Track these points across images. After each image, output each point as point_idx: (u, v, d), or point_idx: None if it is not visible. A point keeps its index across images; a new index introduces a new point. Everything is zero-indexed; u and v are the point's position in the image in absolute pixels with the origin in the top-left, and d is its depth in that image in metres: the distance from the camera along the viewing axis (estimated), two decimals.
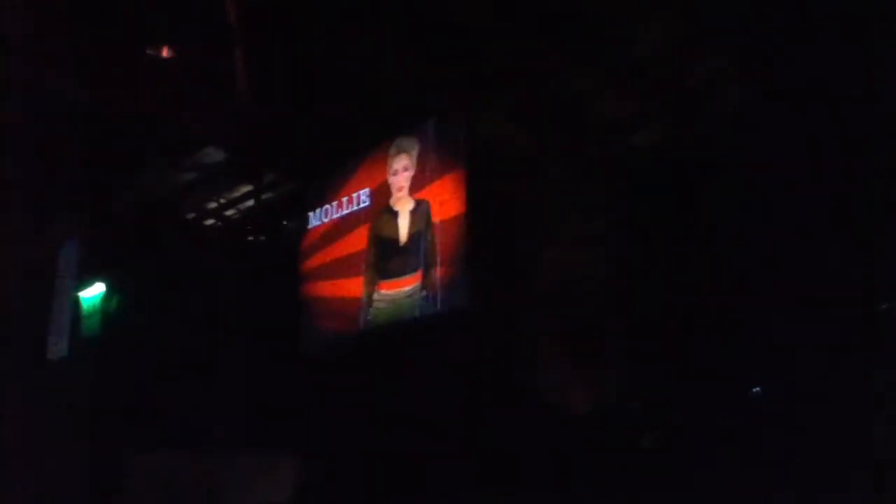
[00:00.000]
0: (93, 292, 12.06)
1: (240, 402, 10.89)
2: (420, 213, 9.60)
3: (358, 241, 10.32)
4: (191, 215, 12.72)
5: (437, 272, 9.23)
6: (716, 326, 8.65)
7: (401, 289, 9.65)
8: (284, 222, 12.37)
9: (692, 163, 9.10)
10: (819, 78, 8.38)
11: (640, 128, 9.40)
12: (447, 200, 9.26)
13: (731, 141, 8.91)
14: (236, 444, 10.54)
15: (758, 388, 8.65)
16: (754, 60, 8.63)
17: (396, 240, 9.80)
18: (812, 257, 8.40)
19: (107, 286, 12.00)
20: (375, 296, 9.92)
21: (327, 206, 10.85)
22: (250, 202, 12.35)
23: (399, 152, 10.01)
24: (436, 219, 9.36)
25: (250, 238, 12.82)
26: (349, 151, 10.59)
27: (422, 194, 9.63)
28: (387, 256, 9.93)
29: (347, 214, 10.57)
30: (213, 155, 11.25)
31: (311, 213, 11.05)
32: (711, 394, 8.64)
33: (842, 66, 8.26)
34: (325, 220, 10.83)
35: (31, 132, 8.13)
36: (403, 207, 9.84)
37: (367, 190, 10.34)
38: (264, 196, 12.15)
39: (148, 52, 9.69)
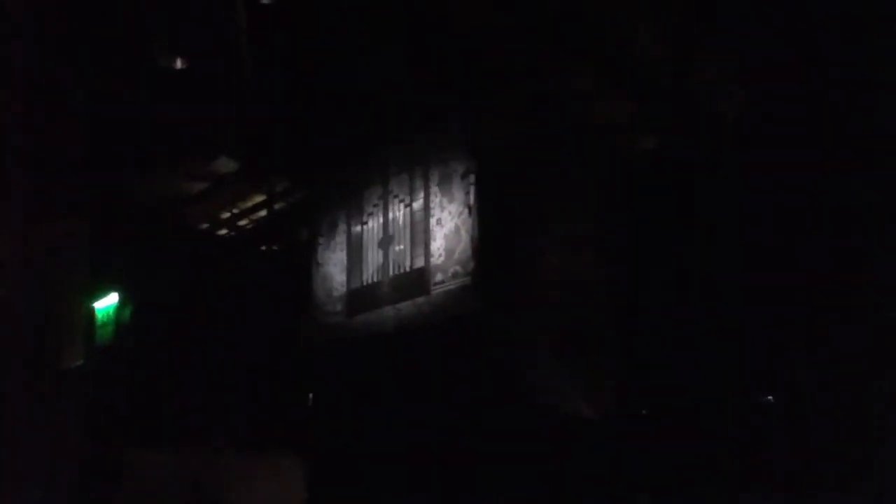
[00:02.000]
0: (106, 302, 12.19)
1: (245, 406, 10.92)
2: (421, 214, 9.64)
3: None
4: (204, 225, 12.83)
5: (438, 273, 9.25)
6: (715, 328, 8.60)
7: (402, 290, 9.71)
8: (296, 231, 12.42)
9: (692, 164, 9.08)
10: (819, 79, 8.37)
11: (639, 129, 9.40)
12: (448, 201, 9.31)
13: (731, 143, 8.89)
14: (236, 445, 10.57)
15: (758, 391, 8.57)
16: (754, 62, 8.62)
17: (396, 240, 9.85)
18: (812, 259, 8.34)
19: (120, 296, 12.12)
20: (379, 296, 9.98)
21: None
22: (263, 212, 12.44)
23: (401, 154, 10.08)
24: (436, 220, 9.41)
25: (263, 248, 12.88)
26: (354, 157, 10.67)
27: (423, 195, 9.68)
28: (388, 259, 9.98)
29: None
30: (226, 164, 11.36)
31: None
32: (710, 395, 8.57)
33: (842, 67, 8.25)
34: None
35: (32, 132, 8.24)
36: (404, 209, 9.90)
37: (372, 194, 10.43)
38: (276, 205, 12.23)
39: (159, 60, 9.84)
